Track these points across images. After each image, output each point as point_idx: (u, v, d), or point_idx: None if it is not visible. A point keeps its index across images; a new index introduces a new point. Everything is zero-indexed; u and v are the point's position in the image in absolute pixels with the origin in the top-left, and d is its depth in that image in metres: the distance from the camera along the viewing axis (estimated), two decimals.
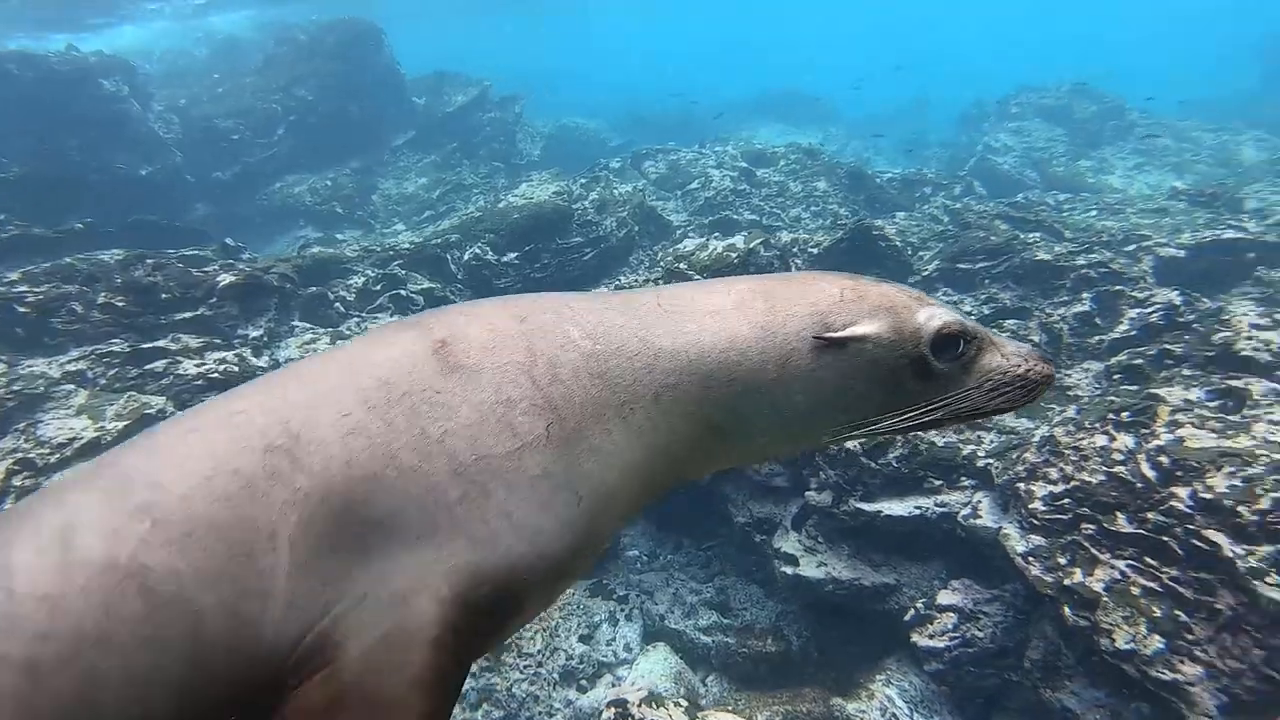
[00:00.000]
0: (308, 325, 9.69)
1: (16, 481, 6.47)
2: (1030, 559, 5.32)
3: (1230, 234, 9.32)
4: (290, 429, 1.54)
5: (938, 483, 6.37)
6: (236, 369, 8.07)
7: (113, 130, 15.67)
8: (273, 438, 1.52)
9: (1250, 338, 6.03)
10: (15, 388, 7.50)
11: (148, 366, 8.02)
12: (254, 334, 9.06)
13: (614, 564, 8.25)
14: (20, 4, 24.02)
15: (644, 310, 1.89)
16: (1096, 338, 7.66)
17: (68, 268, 9.03)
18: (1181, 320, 7.41)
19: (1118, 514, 5.08)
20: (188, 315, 8.71)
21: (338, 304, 10.20)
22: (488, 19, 55.45)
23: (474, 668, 6.10)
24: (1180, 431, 5.24)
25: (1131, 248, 9.50)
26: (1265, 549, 4.35)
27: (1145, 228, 10.65)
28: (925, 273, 9.68)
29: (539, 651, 7.18)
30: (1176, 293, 7.77)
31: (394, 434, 1.56)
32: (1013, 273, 9.03)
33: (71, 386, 7.67)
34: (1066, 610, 4.94)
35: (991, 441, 6.51)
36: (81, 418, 7.20)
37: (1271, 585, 4.23)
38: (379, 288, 10.64)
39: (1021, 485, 5.66)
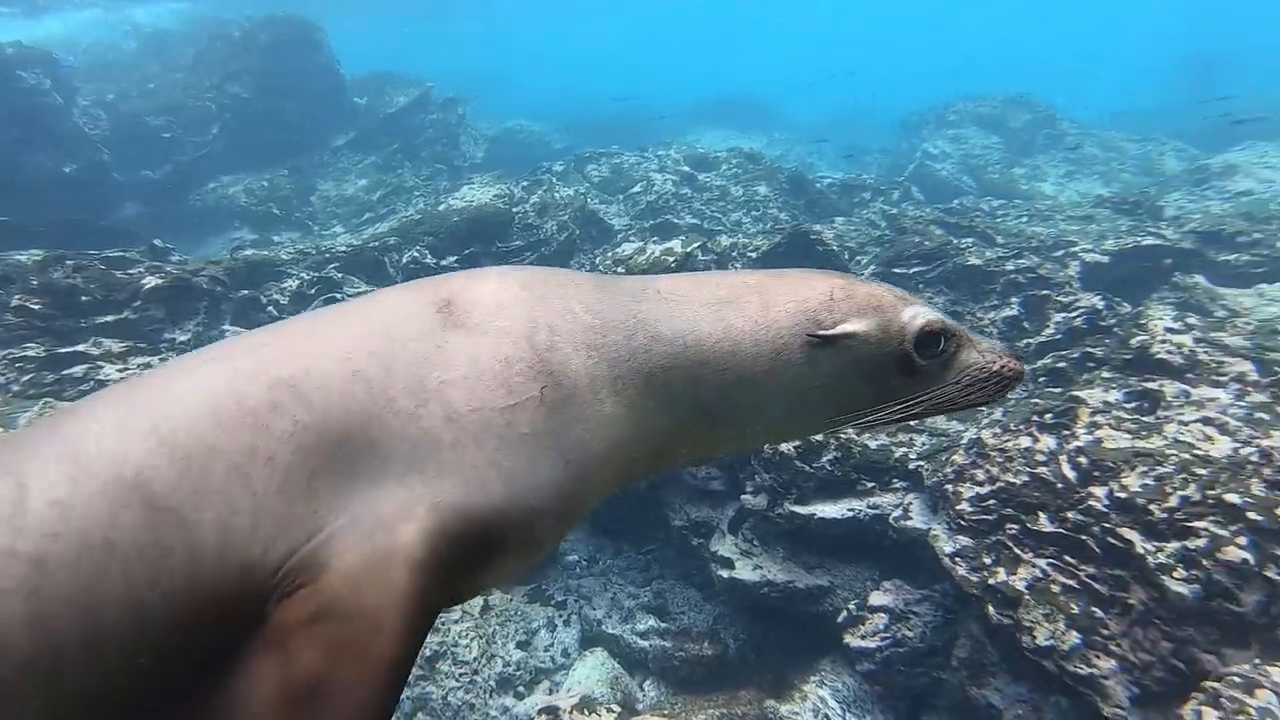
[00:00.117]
0: (239, 329, 9.42)
1: None
2: (957, 559, 5.43)
3: (1150, 240, 9.69)
4: (295, 368, 1.63)
5: (870, 485, 6.46)
6: None
7: (33, 126, 15.04)
8: (277, 375, 1.61)
9: (1165, 341, 6.25)
10: None
11: (66, 372, 7.71)
12: (181, 338, 8.78)
13: (553, 569, 8.20)
14: None
15: (645, 295, 1.97)
16: (1024, 341, 7.87)
17: None
18: (1103, 324, 7.67)
19: (1040, 514, 5.22)
20: (110, 319, 8.40)
21: (270, 308, 9.94)
22: (439, 21, 54.88)
23: (410, 677, 6.00)
24: (1099, 433, 5.41)
25: (1059, 253, 9.80)
26: (1173, 545, 4.51)
27: (1073, 234, 10.98)
28: (862, 277, 9.82)
29: (475, 659, 7.09)
30: (1099, 297, 8.04)
31: (393, 380, 1.65)
32: (946, 277, 9.23)
33: None
34: (991, 609, 5.06)
35: (923, 444, 6.63)
36: None
37: (1178, 580, 4.39)
38: (314, 291, 10.40)
39: (950, 487, 5.77)
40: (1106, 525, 4.83)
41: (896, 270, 9.57)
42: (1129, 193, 14.14)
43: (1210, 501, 4.58)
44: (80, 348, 7.99)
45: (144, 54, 22.61)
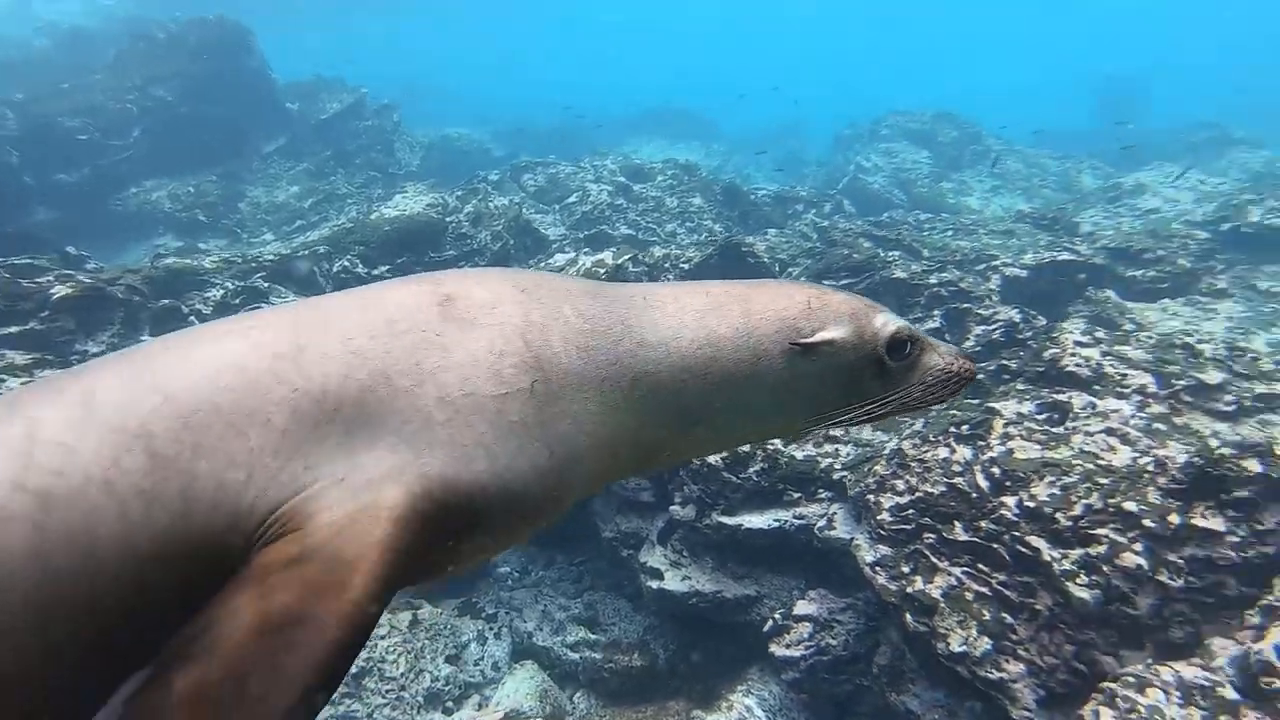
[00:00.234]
0: None
1: None
2: (878, 568, 5.56)
3: (1065, 255, 10.08)
4: (299, 344, 1.73)
5: (796, 495, 6.57)
6: None
7: None
8: (282, 348, 1.71)
9: (1074, 354, 6.50)
10: None
11: None
12: (94, 350, 8.44)
13: (484, 582, 8.12)
14: None
15: (633, 302, 2.09)
16: None
17: None
18: (1020, 337, 7.96)
19: (955, 523, 5.38)
20: (14, 330, 8.04)
21: (192, 318, 9.62)
22: (378, 19, 54.03)
23: (334, 695, 5.85)
24: (1011, 444, 5.60)
25: (981, 267, 10.12)
26: (1077, 552, 4.70)
27: (994, 248, 11.36)
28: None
29: (403, 674, 6.97)
30: (1017, 311, 8.33)
31: (391, 360, 1.74)
32: (873, 290, 9.44)
33: None
34: (909, 617, 5.19)
35: (847, 454, 6.78)
36: None
37: (1081, 586, 4.57)
38: (239, 301, 10.12)
39: (872, 497, 5.91)
40: (1016, 534, 5.01)
41: (826, 282, 9.75)
42: (1048, 209, 14.69)
43: (1111, 510, 4.79)
44: None
45: (57, 52, 21.70)
